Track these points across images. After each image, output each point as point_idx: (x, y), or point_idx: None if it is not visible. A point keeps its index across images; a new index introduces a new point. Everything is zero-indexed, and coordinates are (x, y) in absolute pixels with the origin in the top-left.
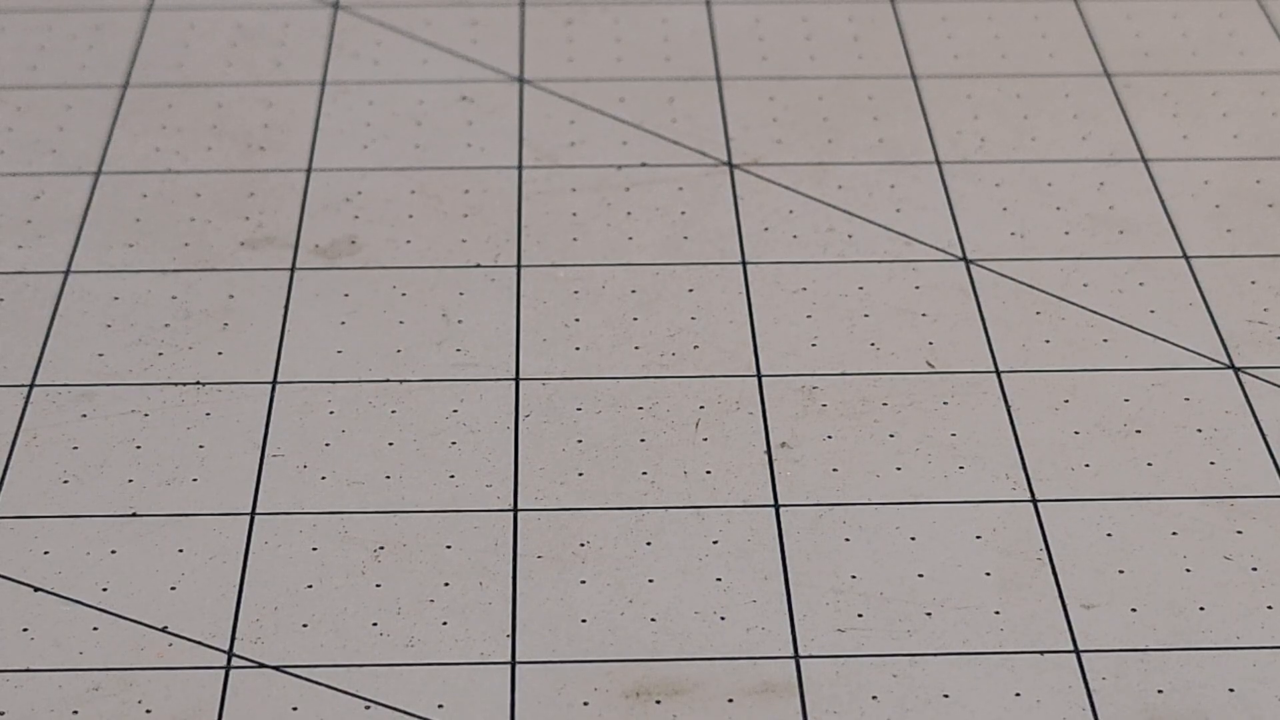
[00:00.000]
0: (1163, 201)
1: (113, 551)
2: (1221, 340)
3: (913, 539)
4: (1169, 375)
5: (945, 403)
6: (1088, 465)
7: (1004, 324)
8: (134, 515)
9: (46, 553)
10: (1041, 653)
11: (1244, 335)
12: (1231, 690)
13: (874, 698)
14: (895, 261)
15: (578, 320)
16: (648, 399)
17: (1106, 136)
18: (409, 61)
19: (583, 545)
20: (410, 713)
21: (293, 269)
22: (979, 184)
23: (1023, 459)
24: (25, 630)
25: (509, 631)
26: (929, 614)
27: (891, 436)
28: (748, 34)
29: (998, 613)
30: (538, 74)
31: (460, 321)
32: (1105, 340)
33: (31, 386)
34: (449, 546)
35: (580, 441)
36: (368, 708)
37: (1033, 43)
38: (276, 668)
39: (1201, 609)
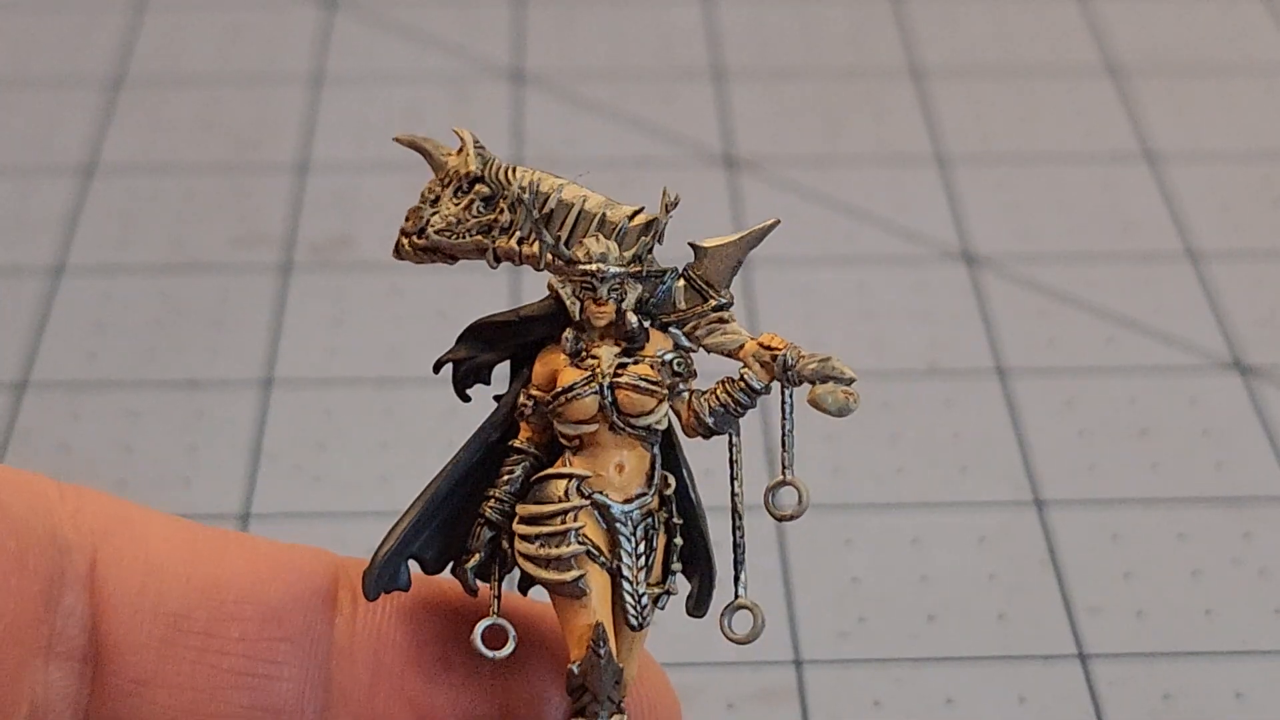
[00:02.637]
0: (1169, 200)
1: None
2: (1229, 340)
3: (915, 541)
4: (1175, 376)
5: (947, 403)
6: (1093, 467)
7: (1007, 323)
8: None
9: None
10: (1046, 657)
11: (1252, 335)
12: (1239, 695)
13: (876, 703)
14: (897, 260)
15: None
16: None
17: (1111, 134)
18: (404, 57)
19: None
20: None
21: (286, 267)
22: (982, 182)
23: (1026, 460)
24: None
25: None
26: (932, 617)
27: (893, 437)
28: (748, 29)
29: (1002, 616)
30: (535, 70)
31: (456, 321)
32: (1110, 340)
33: (22, 386)
34: None
35: None
36: None
37: (1036, 39)
38: None
39: (1208, 612)
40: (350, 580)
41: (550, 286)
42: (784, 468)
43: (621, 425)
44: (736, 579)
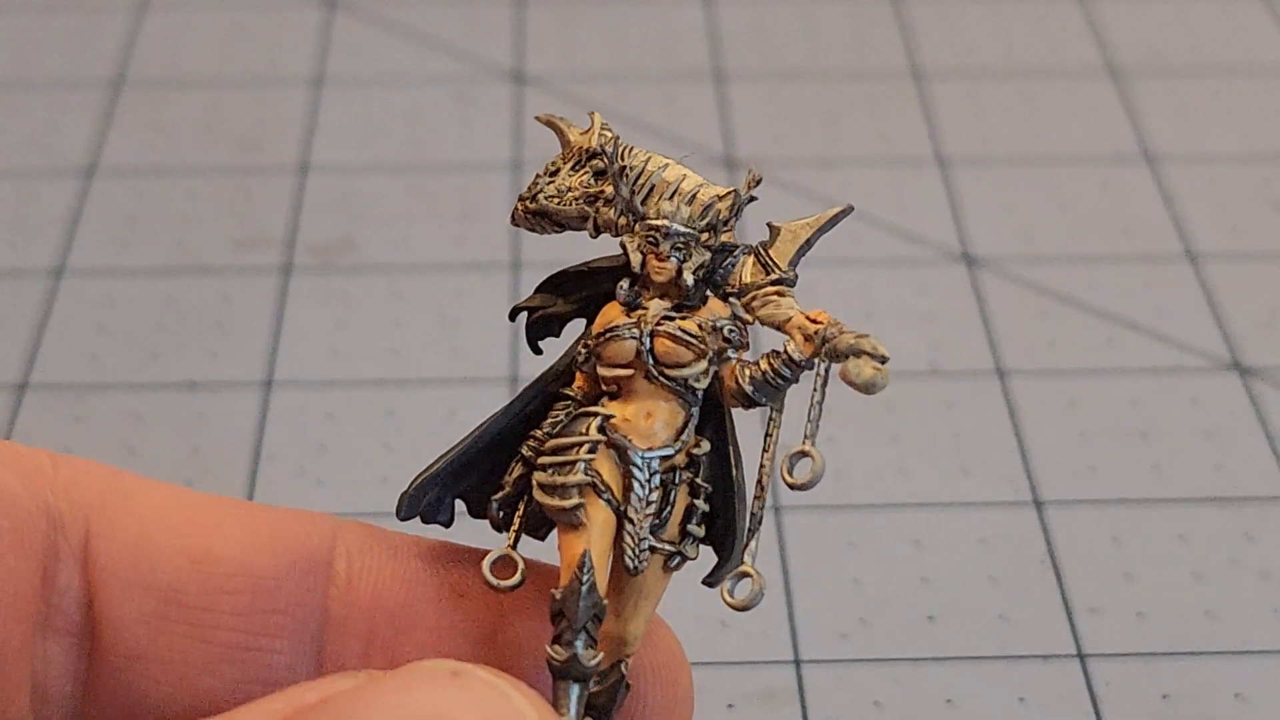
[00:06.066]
0: (1168, 201)
1: None
2: (1228, 341)
3: (916, 542)
4: (1175, 377)
5: (948, 405)
6: (1093, 468)
7: (1008, 325)
8: None
9: None
10: (1046, 657)
11: (1251, 336)
12: (1238, 695)
13: (876, 703)
14: (897, 261)
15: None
16: None
17: (1111, 135)
18: (405, 59)
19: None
20: None
21: (288, 269)
22: (982, 183)
23: (1027, 462)
24: None
25: None
26: (932, 618)
27: (894, 439)
28: (748, 31)
29: (1002, 617)
30: (536, 71)
31: (458, 322)
32: (1110, 341)
33: (24, 388)
34: None
35: None
36: None
37: (1037, 40)
38: None
39: (1208, 613)
40: (348, 547)
41: (622, 243)
42: (806, 437)
43: (656, 374)
44: (745, 546)
